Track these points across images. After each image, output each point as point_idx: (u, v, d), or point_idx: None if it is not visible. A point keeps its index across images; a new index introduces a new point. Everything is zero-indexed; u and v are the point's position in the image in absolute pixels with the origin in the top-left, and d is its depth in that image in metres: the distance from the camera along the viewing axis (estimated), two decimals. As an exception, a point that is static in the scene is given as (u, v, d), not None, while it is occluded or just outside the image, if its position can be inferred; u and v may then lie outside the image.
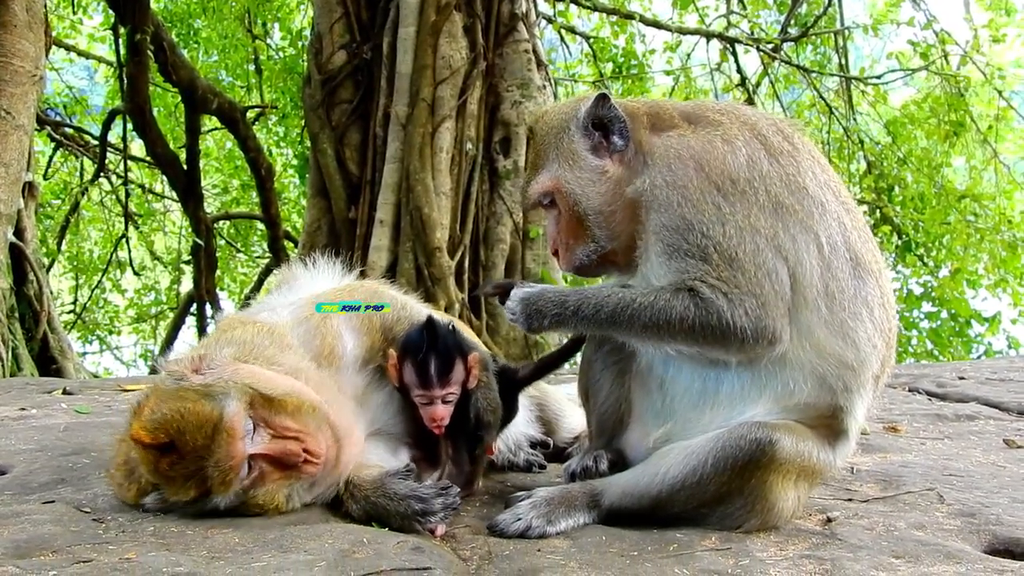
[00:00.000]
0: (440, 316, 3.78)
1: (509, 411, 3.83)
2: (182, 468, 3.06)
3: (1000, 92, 17.90)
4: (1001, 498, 3.60)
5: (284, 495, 3.21)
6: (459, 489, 3.36)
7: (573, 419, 4.53)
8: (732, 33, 18.77)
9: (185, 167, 18.47)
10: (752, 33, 19.07)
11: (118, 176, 22.03)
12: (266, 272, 21.58)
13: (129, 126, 18.72)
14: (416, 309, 3.86)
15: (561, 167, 3.47)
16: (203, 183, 20.72)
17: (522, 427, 4.28)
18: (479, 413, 3.57)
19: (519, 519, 3.23)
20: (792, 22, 18.87)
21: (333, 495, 3.40)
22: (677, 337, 3.14)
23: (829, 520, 3.35)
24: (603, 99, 3.41)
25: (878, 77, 19.06)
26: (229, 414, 3.04)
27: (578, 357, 3.99)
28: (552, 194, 3.50)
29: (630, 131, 3.40)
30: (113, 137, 20.38)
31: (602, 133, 3.42)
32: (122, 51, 16.83)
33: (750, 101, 18.09)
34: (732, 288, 3.06)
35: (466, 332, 4.01)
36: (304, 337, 3.53)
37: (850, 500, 3.63)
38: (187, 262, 22.19)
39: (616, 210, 3.39)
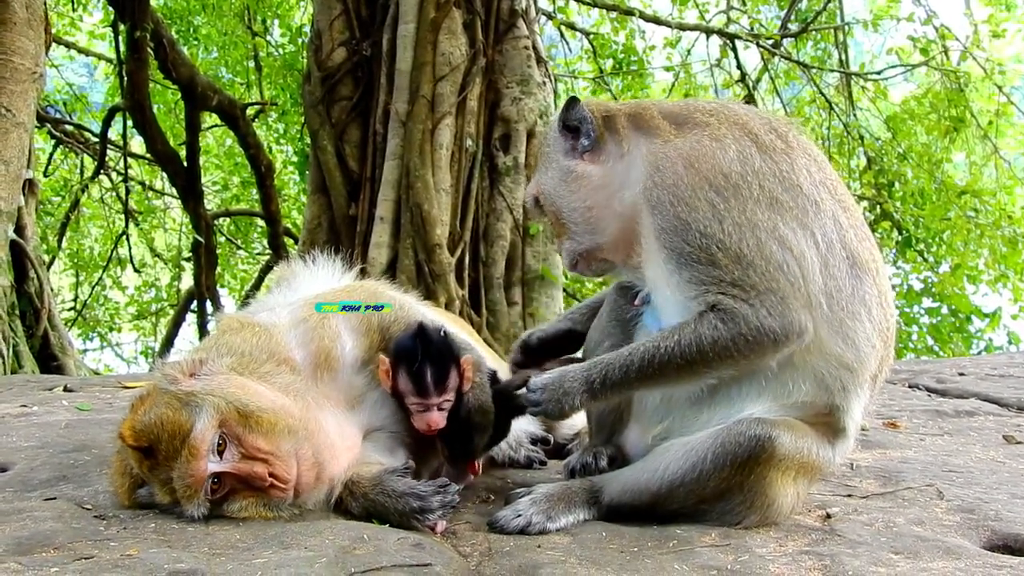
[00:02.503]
0: (431, 318, 3.76)
1: (503, 427, 3.77)
2: (159, 473, 3.08)
3: (1000, 87, 17.91)
4: (1000, 494, 3.60)
5: (263, 508, 3.18)
6: (457, 487, 3.37)
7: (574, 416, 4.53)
8: (732, 29, 18.75)
9: (185, 164, 18.48)
10: (752, 29, 19.05)
11: (118, 173, 22.05)
12: (266, 269, 21.58)
13: (129, 123, 18.74)
14: (415, 310, 3.86)
15: (541, 172, 3.62)
16: (203, 180, 20.72)
17: (523, 423, 4.27)
18: (470, 414, 3.54)
19: (519, 515, 3.24)
20: (792, 18, 18.85)
21: (324, 502, 3.37)
22: (712, 363, 3.09)
23: (828, 516, 3.35)
24: (573, 102, 3.52)
25: (878, 73, 19.07)
26: (197, 431, 3.04)
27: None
28: (538, 198, 3.63)
29: (603, 131, 3.47)
30: (113, 134, 20.38)
31: (574, 135, 3.51)
32: (122, 48, 16.84)
33: (750, 97, 18.09)
34: (748, 290, 3.03)
35: (458, 330, 3.99)
36: (302, 339, 3.52)
37: (849, 496, 3.64)
38: (187, 259, 22.21)
39: (592, 206, 3.44)
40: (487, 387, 3.63)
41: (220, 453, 3.09)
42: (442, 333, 3.55)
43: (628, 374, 3.17)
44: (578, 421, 4.44)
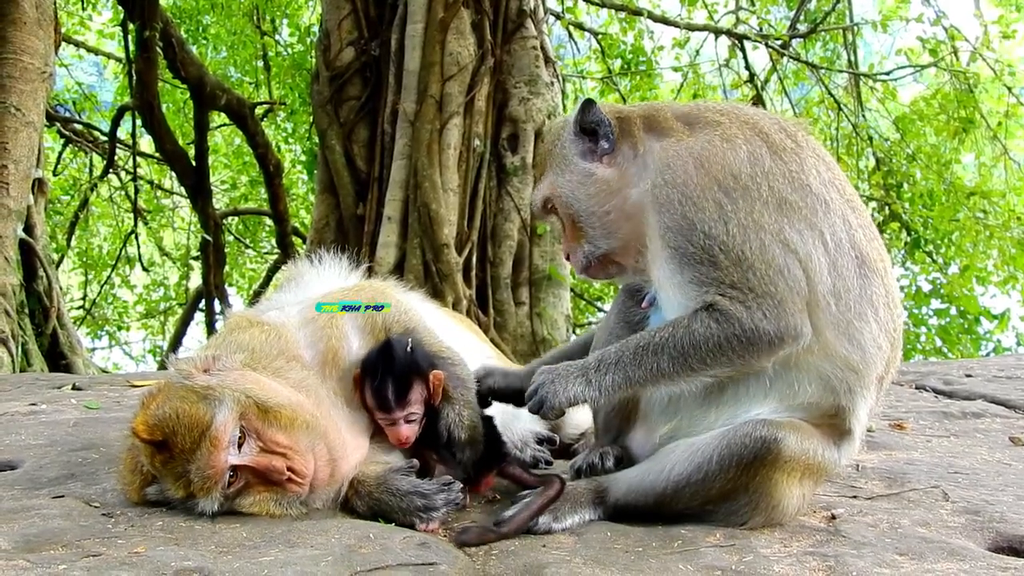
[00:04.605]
0: (432, 320, 3.73)
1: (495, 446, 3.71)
2: (173, 467, 3.09)
3: (1010, 88, 17.84)
4: (1006, 496, 3.60)
5: (274, 504, 3.20)
6: (461, 485, 3.37)
7: (579, 415, 4.53)
8: (741, 29, 18.70)
9: (194, 163, 18.55)
10: (761, 29, 19.02)
11: (127, 172, 22.14)
12: (275, 268, 21.65)
13: (138, 122, 18.79)
14: (415, 315, 3.84)
15: (555, 174, 3.56)
16: (212, 179, 20.82)
17: (528, 423, 4.28)
18: (449, 429, 3.52)
19: (524, 515, 3.24)
20: (801, 18, 18.81)
21: (332, 503, 3.38)
22: (707, 360, 3.08)
23: (834, 517, 3.35)
24: (589, 105, 3.48)
25: (887, 73, 19.02)
26: (218, 423, 3.05)
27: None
28: (551, 200, 3.58)
29: (618, 133, 3.45)
30: (122, 133, 20.47)
31: (591, 138, 3.48)
32: (131, 47, 16.89)
33: (758, 97, 18.06)
34: (746, 292, 3.03)
35: (454, 341, 3.91)
36: (311, 338, 3.55)
37: (855, 497, 3.64)
38: (196, 258, 22.25)
39: (610, 210, 3.42)
40: (473, 403, 3.61)
41: (239, 446, 3.11)
42: (408, 348, 3.52)
43: (623, 359, 3.15)
44: (584, 421, 4.45)
